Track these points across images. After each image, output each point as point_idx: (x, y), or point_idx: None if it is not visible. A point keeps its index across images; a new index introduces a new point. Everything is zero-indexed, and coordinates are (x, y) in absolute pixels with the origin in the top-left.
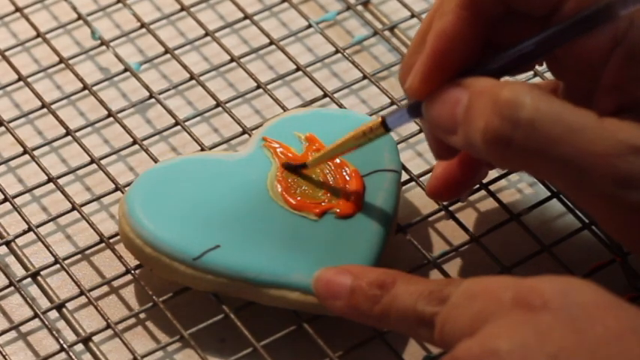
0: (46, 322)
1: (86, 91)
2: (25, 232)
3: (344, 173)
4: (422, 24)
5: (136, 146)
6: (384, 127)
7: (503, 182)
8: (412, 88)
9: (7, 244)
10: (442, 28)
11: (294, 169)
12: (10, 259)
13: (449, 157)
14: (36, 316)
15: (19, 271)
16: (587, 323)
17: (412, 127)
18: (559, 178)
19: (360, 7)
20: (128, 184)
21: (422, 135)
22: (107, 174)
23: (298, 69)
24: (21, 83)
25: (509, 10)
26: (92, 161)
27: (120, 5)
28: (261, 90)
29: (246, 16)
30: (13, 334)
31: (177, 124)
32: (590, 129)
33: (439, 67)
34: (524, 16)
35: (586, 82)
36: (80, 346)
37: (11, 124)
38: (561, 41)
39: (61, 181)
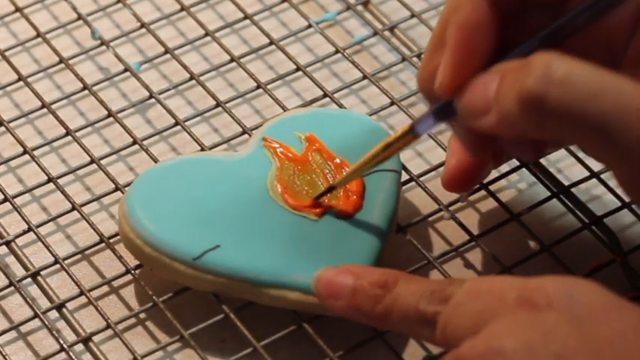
0: (46, 322)
1: (86, 91)
2: (25, 232)
3: (344, 173)
4: (436, 27)
5: (136, 146)
6: (413, 133)
7: (503, 182)
8: (443, 85)
9: (7, 244)
10: (463, 19)
11: (324, 194)
12: (10, 259)
13: (484, 153)
14: (36, 316)
15: (19, 271)
16: (591, 324)
17: None
18: (594, 137)
19: (360, 7)
20: (128, 184)
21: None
22: (107, 174)
23: (298, 69)
24: (21, 83)
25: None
26: (92, 161)
27: (120, 5)
28: (261, 90)
29: (246, 16)
30: (13, 334)
31: (177, 124)
32: (627, 87)
33: (466, 59)
34: (540, 9)
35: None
36: (80, 346)
37: (11, 124)
38: (583, 23)
39: (61, 181)
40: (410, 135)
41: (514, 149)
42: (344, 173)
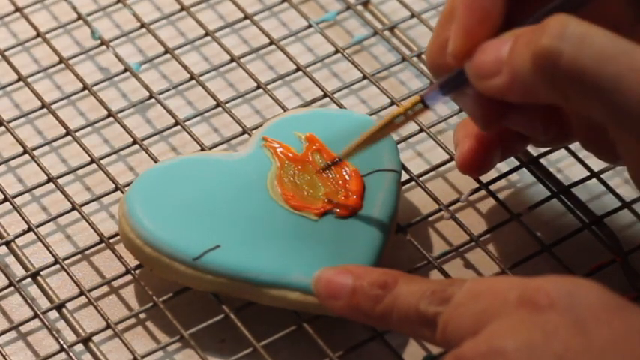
0: (46, 322)
1: (86, 91)
2: (25, 232)
3: (344, 173)
4: (446, 5)
5: (136, 146)
6: (424, 104)
7: (503, 182)
8: (456, 52)
9: (7, 244)
10: None
11: (329, 166)
12: (10, 259)
13: (496, 126)
14: (36, 316)
15: (19, 271)
16: (593, 324)
17: (412, 127)
18: (605, 99)
19: (360, 7)
20: (128, 184)
21: (422, 135)
22: (107, 174)
23: (298, 69)
24: (21, 83)
25: None
26: (92, 161)
27: (120, 5)
28: (261, 90)
29: (246, 16)
30: (13, 334)
31: (177, 124)
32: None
33: (477, 25)
34: None
35: None
36: (80, 346)
37: (11, 124)
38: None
39: (61, 181)
40: (419, 106)
41: (523, 122)
42: (349, 162)
